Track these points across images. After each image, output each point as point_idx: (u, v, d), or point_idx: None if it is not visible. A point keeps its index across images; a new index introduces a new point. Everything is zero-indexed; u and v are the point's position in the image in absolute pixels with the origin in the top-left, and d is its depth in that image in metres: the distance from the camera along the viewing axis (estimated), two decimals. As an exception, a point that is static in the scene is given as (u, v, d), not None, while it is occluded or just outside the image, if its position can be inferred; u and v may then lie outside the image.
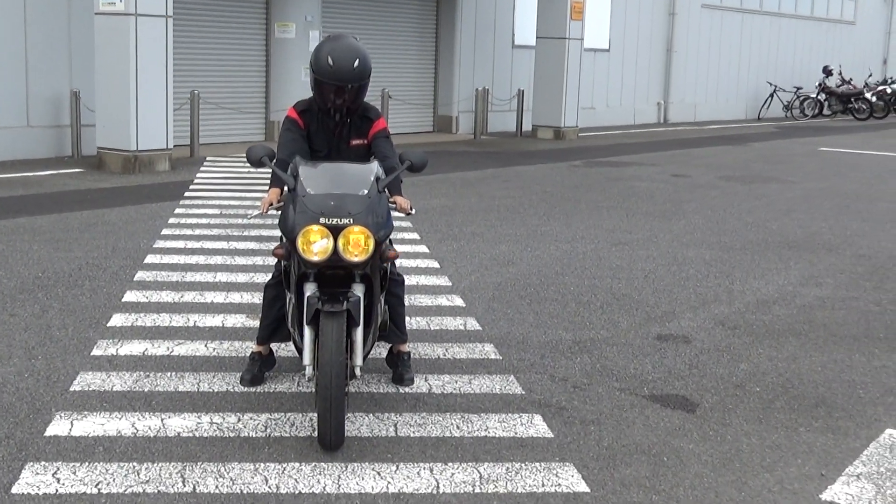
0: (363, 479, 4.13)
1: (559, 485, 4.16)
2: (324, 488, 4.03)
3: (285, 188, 4.86)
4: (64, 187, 11.54)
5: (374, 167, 4.75)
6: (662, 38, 25.48)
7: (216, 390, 5.09)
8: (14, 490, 3.90)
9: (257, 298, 6.79)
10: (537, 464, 4.35)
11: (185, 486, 4.00)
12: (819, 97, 29.26)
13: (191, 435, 4.51)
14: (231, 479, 4.07)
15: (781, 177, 15.00)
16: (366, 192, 4.52)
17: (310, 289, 4.48)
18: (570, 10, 19.49)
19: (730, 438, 4.74)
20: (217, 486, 4.01)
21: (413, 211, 4.93)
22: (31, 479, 4.00)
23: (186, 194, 11.26)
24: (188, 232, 9.11)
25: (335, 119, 5.01)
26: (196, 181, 12.31)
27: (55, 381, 5.14)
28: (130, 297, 6.82)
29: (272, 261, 7.90)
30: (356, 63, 4.83)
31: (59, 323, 6.17)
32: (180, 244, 8.56)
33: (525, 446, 4.54)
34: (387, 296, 5.03)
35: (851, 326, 6.81)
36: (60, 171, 12.71)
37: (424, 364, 5.62)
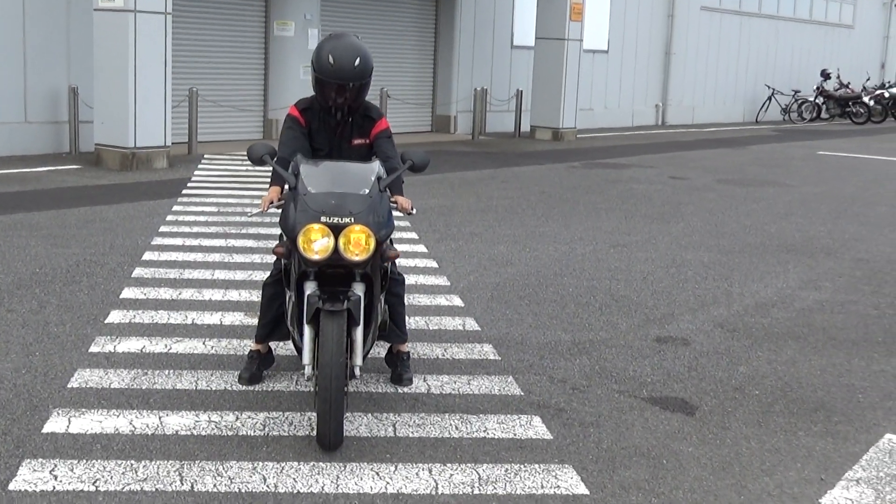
0: (362, 479, 4.11)
1: (558, 487, 4.14)
2: (322, 488, 4.02)
3: (286, 186, 4.85)
4: (61, 183, 11.51)
5: (376, 166, 4.74)
6: (661, 40, 25.48)
7: (214, 388, 5.07)
8: (11, 487, 3.88)
9: (255, 296, 6.78)
10: (536, 465, 4.34)
11: (182, 484, 3.98)
12: (817, 101, 29.28)
13: (189, 433, 4.49)
14: (229, 478, 4.06)
15: (779, 180, 15.01)
16: (367, 191, 4.51)
17: (310, 287, 4.46)
18: (570, 10, 19.48)
19: (729, 442, 4.73)
20: (215, 485, 3.99)
21: (414, 211, 4.92)
22: (29, 475, 3.98)
23: (184, 192, 11.24)
24: (186, 229, 9.09)
25: (337, 118, 5.00)
26: (194, 179, 12.29)
27: (52, 378, 5.12)
28: (128, 293, 6.80)
29: (270, 259, 7.89)
30: (357, 62, 4.81)
31: (56, 319, 6.15)
32: (178, 241, 8.54)
33: (524, 448, 4.53)
34: (387, 295, 5.01)
35: (850, 330, 6.80)
36: (58, 168, 12.68)
37: (423, 364, 5.61)
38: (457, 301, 7.02)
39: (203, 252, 8.17)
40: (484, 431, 4.68)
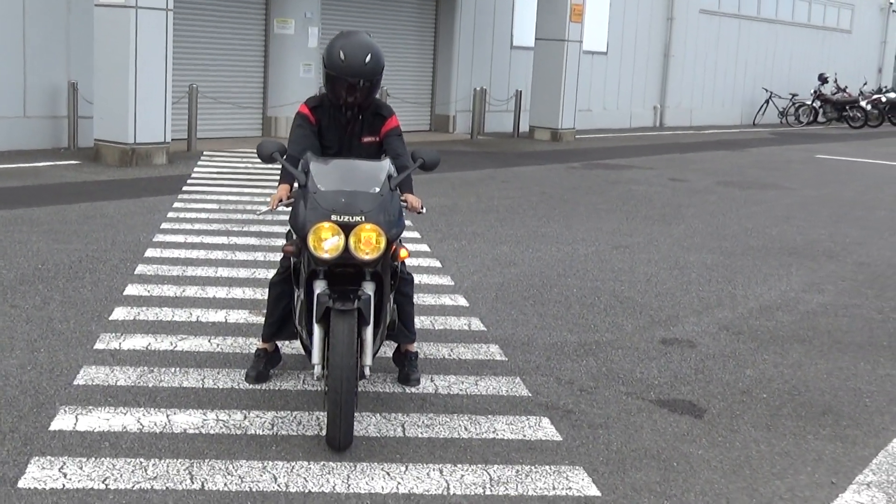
0: (373, 479, 4.09)
1: (570, 488, 4.13)
2: (333, 488, 3.99)
3: (295, 184, 4.82)
4: (61, 179, 11.46)
5: (387, 165, 4.71)
6: (660, 43, 25.49)
7: (221, 387, 5.04)
8: (20, 484, 3.85)
9: (259, 294, 6.76)
10: (547, 467, 4.32)
11: (193, 483, 3.96)
12: (814, 104, 29.34)
13: (197, 432, 4.46)
14: (239, 477, 4.03)
15: (779, 183, 15.01)
16: (378, 189, 4.48)
17: (320, 286, 4.43)
18: (570, 12, 19.48)
19: (739, 445, 4.72)
20: (225, 484, 3.96)
21: (424, 210, 4.90)
22: (38, 473, 3.95)
23: (184, 188, 11.20)
24: (187, 226, 9.05)
25: (347, 115, 4.97)
26: (193, 175, 12.25)
27: (58, 375, 5.08)
28: (132, 290, 6.77)
29: (273, 256, 7.88)
30: (368, 58, 4.78)
31: (60, 315, 6.11)
32: (180, 238, 8.51)
33: (534, 449, 4.51)
34: (396, 295, 4.99)
35: (855, 334, 6.80)
36: (57, 163, 12.63)
37: (430, 364, 5.58)
38: (461, 301, 7.00)
39: (205, 249, 8.13)
40: (493, 432, 4.67)
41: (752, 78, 28.96)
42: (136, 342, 5.67)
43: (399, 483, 4.07)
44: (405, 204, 4.81)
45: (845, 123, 29.28)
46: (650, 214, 11.31)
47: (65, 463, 4.06)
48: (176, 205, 10.13)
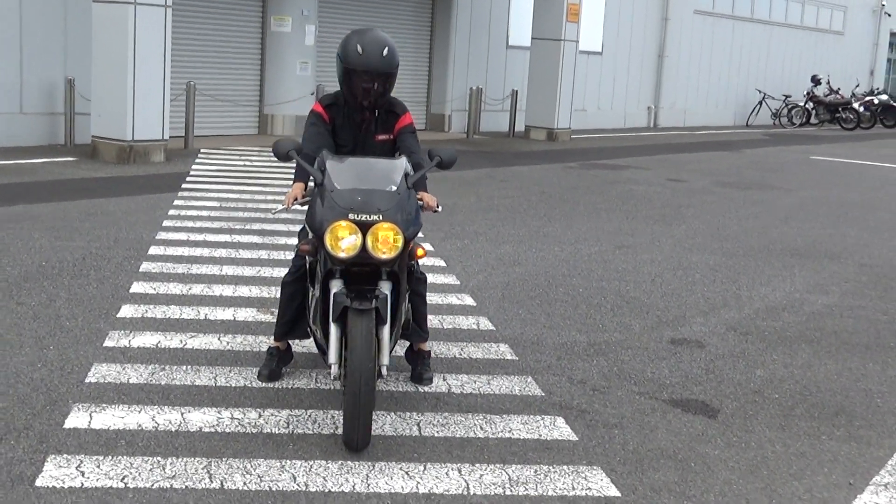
0: (392, 478, 4.07)
1: (589, 489, 4.11)
2: (353, 487, 3.97)
3: (310, 183, 4.79)
4: (59, 175, 11.40)
5: (403, 163, 4.68)
6: (654, 43, 25.51)
7: (234, 385, 5.01)
8: (38, 483, 3.82)
9: (266, 293, 6.73)
10: (565, 466, 4.31)
11: (212, 482, 3.93)
12: (807, 106, 29.40)
13: (213, 430, 4.43)
14: (258, 476, 4.01)
15: (777, 184, 15.04)
16: (395, 188, 4.45)
17: (336, 286, 4.41)
18: (567, 11, 19.47)
19: (754, 445, 4.71)
20: (245, 483, 3.94)
21: (440, 209, 4.87)
22: (55, 472, 3.92)
23: (184, 186, 11.15)
24: (189, 224, 9.01)
25: (362, 113, 4.94)
26: (192, 173, 12.20)
27: (69, 372, 5.05)
28: (138, 288, 6.73)
29: (277, 255, 7.85)
30: (385, 51, 4.76)
31: (67, 313, 6.07)
32: (183, 236, 8.47)
33: (551, 449, 4.49)
34: (410, 294, 4.96)
35: (862, 335, 6.81)
36: (54, 160, 12.56)
37: (441, 363, 5.57)
38: (468, 300, 6.98)
39: (209, 247, 8.10)
40: (509, 432, 4.65)
41: (745, 79, 29.02)
42: (146, 340, 5.64)
43: (419, 483, 4.05)
44: (421, 203, 4.78)
45: (838, 125, 29.38)
46: (650, 215, 11.31)
47: (82, 461, 4.03)
48: (176, 202, 10.08)
